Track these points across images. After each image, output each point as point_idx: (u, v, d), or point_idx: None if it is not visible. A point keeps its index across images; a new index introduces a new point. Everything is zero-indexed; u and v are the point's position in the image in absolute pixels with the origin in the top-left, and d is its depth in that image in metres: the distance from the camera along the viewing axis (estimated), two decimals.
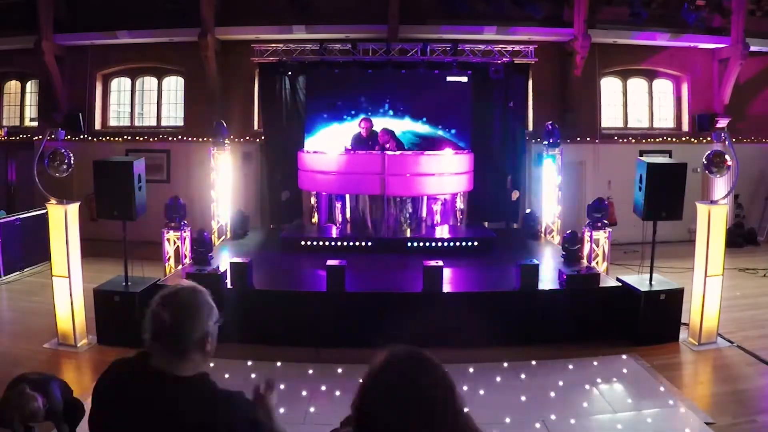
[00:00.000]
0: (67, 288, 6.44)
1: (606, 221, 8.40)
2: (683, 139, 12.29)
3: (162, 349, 1.83)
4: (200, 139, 11.40)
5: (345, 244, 8.86)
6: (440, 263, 6.73)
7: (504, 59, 10.67)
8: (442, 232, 9.52)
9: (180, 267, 7.96)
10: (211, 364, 1.92)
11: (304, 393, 5.35)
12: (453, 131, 10.07)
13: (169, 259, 8.11)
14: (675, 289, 6.79)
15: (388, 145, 9.27)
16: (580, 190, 11.42)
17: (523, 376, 5.80)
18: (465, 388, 5.55)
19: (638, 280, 6.99)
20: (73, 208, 6.55)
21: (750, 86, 12.24)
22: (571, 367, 5.96)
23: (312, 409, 5.11)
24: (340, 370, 5.85)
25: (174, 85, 12.62)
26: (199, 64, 11.48)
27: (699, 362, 6.32)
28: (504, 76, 10.73)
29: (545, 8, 11.41)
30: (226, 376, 5.38)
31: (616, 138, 12.15)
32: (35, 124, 12.69)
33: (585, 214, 8.59)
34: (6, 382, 5.50)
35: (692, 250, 6.77)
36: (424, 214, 9.52)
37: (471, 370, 5.92)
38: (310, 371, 5.86)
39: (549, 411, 5.07)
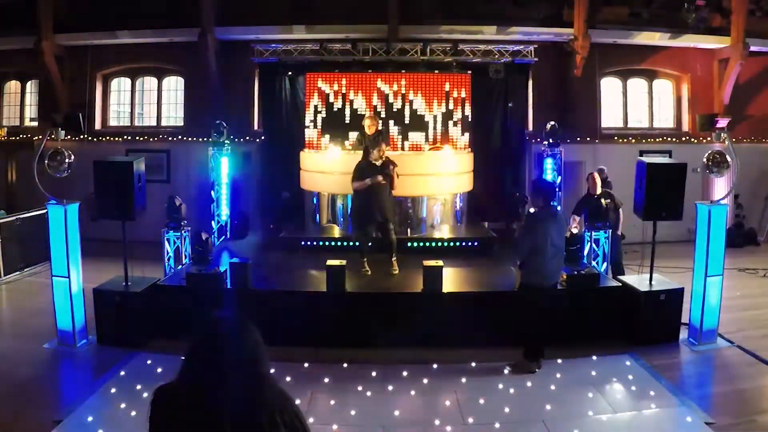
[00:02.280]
0: (67, 288, 6.44)
1: (606, 221, 8.38)
2: (683, 139, 12.31)
3: None
4: (200, 139, 11.39)
5: (345, 244, 8.85)
6: (440, 263, 6.73)
7: (504, 59, 10.67)
8: (442, 232, 9.51)
9: (180, 267, 7.96)
10: None
11: (303, 393, 5.36)
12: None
13: (169, 259, 8.11)
14: (675, 289, 6.78)
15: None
16: (580, 190, 11.40)
17: (522, 375, 5.79)
18: (464, 388, 5.55)
19: (638, 280, 6.99)
20: (73, 208, 6.55)
21: (750, 86, 12.25)
22: (571, 367, 5.95)
23: (312, 410, 5.12)
24: (340, 371, 5.85)
25: (174, 85, 12.62)
26: (199, 64, 11.47)
27: (699, 362, 6.32)
28: (504, 76, 10.74)
29: (545, 8, 11.41)
30: None
31: (616, 138, 12.15)
32: (35, 124, 12.70)
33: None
34: (6, 382, 5.52)
35: (692, 250, 6.77)
36: (424, 214, 9.52)
37: (470, 370, 5.91)
38: (310, 371, 5.86)
39: (549, 411, 5.07)
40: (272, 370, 1.91)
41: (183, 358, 1.87)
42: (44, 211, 6.80)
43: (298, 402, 1.98)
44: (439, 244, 8.97)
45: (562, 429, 4.79)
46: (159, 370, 5.76)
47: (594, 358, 6.14)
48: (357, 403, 5.24)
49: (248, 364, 1.84)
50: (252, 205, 11.23)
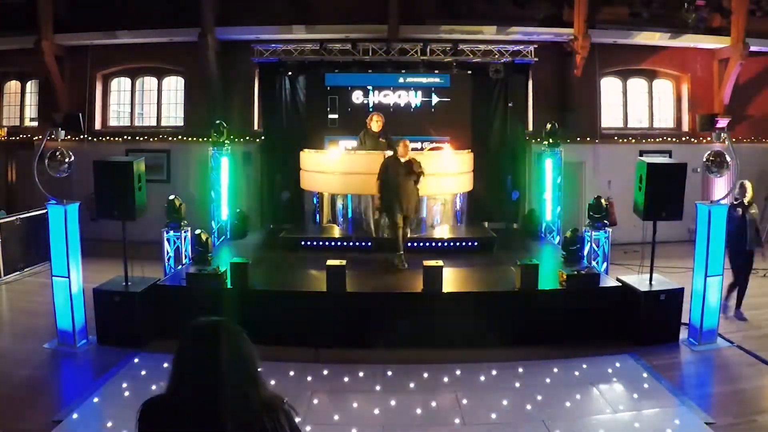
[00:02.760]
0: (67, 288, 6.44)
1: (606, 221, 8.40)
2: (683, 139, 12.31)
3: None
4: (200, 139, 11.39)
5: (345, 244, 8.85)
6: (440, 263, 6.72)
7: (504, 59, 10.68)
8: (442, 232, 9.51)
9: (180, 267, 7.96)
10: None
11: (303, 393, 5.36)
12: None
13: (169, 259, 8.11)
14: (675, 289, 6.78)
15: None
16: (580, 190, 11.42)
17: (523, 375, 5.79)
18: (464, 388, 5.55)
19: (638, 280, 6.99)
20: (73, 208, 6.55)
21: (750, 86, 12.25)
22: (571, 367, 5.95)
23: (312, 410, 5.12)
24: (339, 370, 5.85)
25: (174, 85, 12.62)
26: (199, 64, 11.48)
27: (699, 362, 6.32)
28: (504, 76, 10.75)
29: (545, 8, 11.42)
30: None
31: (616, 138, 12.15)
32: (35, 124, 12.70)
33: (585, 214, 8.58)
34: (6, 382, 5.52)
35: (692, 250, 6.77)
36: (424, 214, 9.51)
37: (470, 370, 5.91)
38: (310, 371, 5.86)
39: (549, 411, 5.07)
40: (270, 380, 1.89)
41: (172, 368, 1.84)
42: (44, 211, 6.79)
43: (296, 403, 1.96)
44: (439, 244, 8.97)
45: (562, 429, 4.79)
46: (159, 370, 5.75)
47: (594, 358, 6.13)
48: (357, 403, 5.24)
49: (240, 368, 1.82)
50: (252, 205, 11.24)
